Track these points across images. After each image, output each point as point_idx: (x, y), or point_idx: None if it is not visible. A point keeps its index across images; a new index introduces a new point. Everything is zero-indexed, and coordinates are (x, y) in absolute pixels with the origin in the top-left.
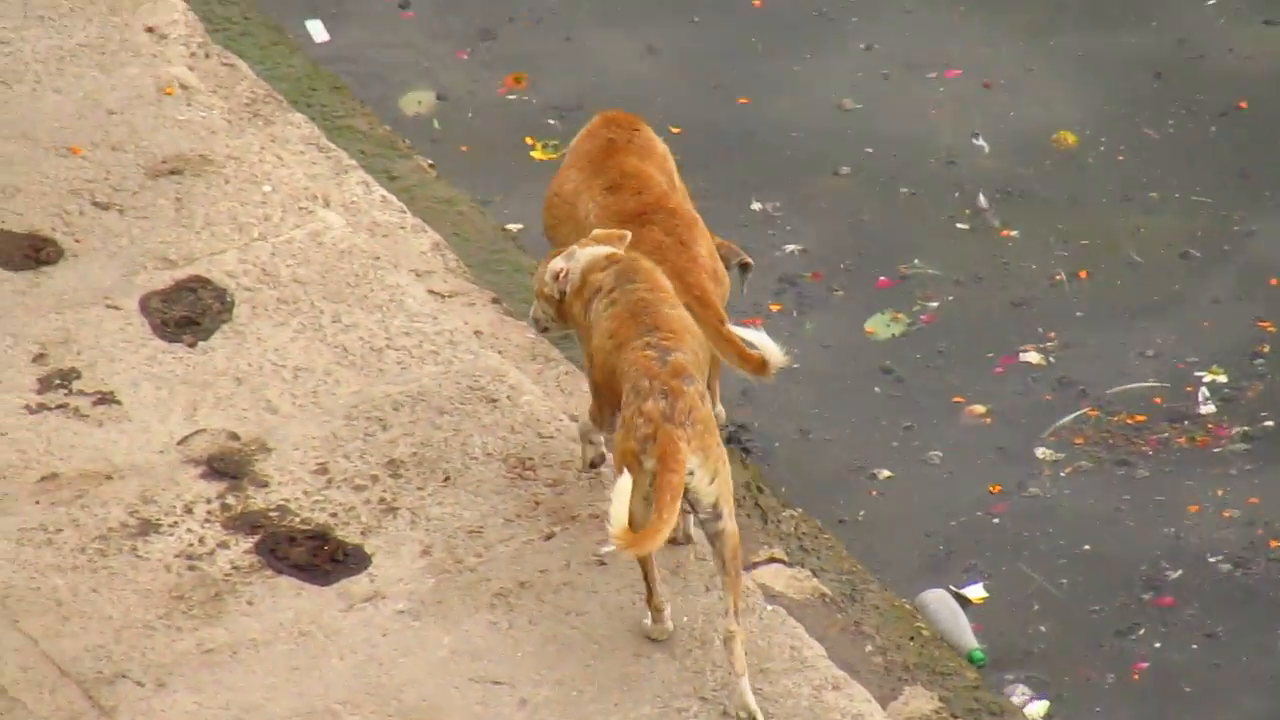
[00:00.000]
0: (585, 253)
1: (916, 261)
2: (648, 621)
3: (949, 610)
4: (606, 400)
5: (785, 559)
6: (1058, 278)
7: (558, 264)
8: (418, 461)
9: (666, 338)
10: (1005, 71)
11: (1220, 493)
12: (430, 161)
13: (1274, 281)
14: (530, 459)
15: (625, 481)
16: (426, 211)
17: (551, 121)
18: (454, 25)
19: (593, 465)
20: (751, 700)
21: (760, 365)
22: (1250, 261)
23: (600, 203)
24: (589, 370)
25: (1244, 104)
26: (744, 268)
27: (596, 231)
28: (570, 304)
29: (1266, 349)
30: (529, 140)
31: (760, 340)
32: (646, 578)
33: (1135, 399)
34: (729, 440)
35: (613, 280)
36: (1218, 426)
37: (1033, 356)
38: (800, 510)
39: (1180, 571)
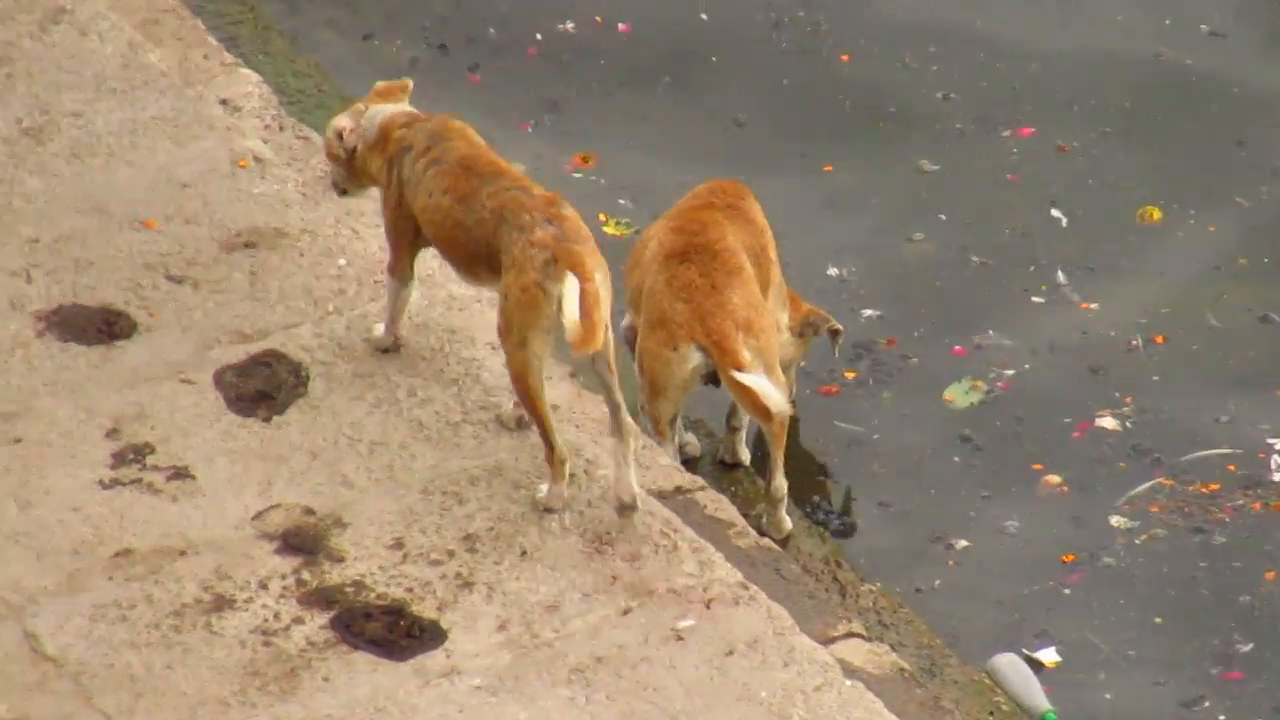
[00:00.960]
0: (377, 109)
1: (991, 332)
2: (544, 487)
3: (1021, 674)
4: (408, 252)
5: (864, 634)
6: (1134, 343)
7: (341, 122)
8: (494, 536)
9: (519, 179)
10: (1080, 135)
11: None
12: None
13: None
14: (607, 533)
15: (572, 282)
16: None
17: (622, 201)
18: (519, 95)
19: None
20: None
21: (766, 413)
22: None
23: (660, 240)
24: (392, 221)
25: None
26: (834, 334)
27: (379, 84)
28: (366, 160)
29: None
30: (601, 216)
31: (761, 387)
32: (544, 429)
33: (1209, 467)
34: (808, 515)
35: (426, 139)
36: None
37: (1109, 422)
38: (879, 585)
39: (1252, 645)
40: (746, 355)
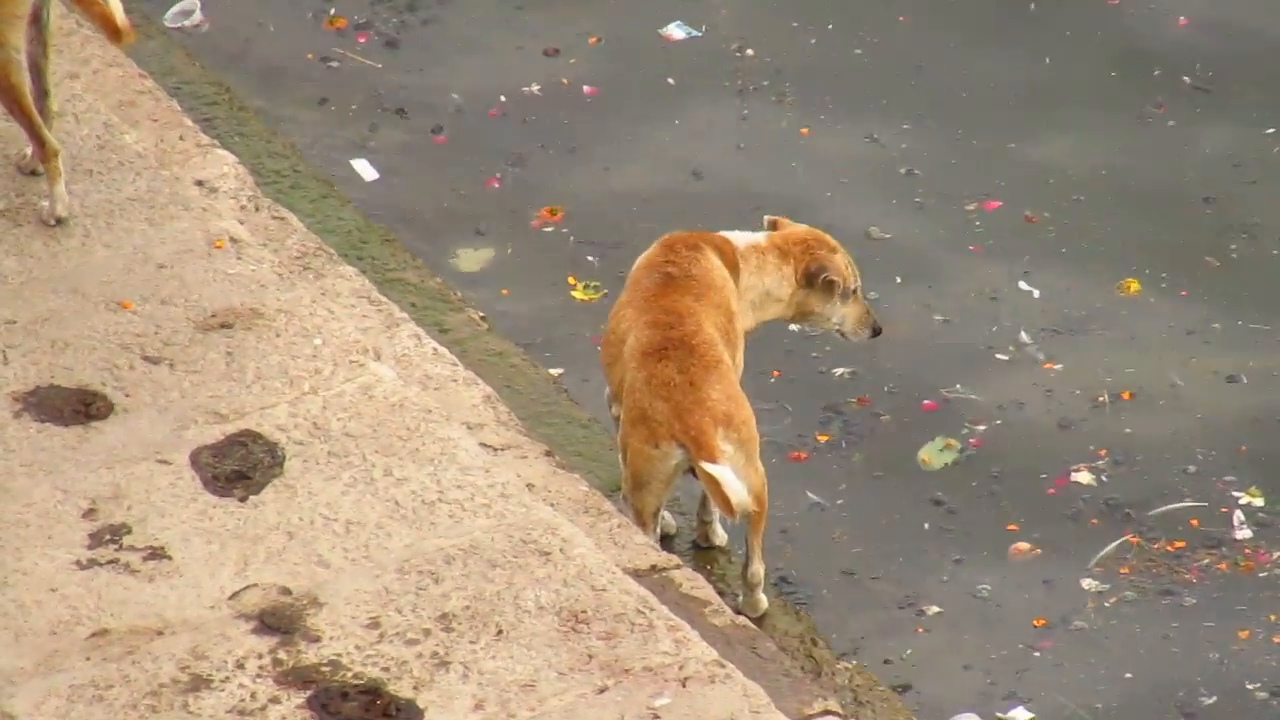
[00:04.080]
0: None
1: (959, 386)
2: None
3: None
4: None
5: (839, 711)
6: (1101, 400)
7: None
8: (470, 615)
9: None
10: (1049, 203)
11: (1274, 617)
12: (482, 314)
13: None
14: (583, 612)
15: None
16: (478, 364)
17: (590, 259)
18: (484, 151)
19: None
20: None
21: (729, 505)
22: None
23: (637, 336)
24: None
25: None
26: (875, 332)
27: None
28: None
29: None
30: (571, 280)
31: (725, 478)
32: (31, 126)
33: (1174, 522)
34: (779, 590)
35: None
36: (1256, 551)
37: (1085, 476)
38: (854, 662)
39: (1215, 698)
40: (726, 449)
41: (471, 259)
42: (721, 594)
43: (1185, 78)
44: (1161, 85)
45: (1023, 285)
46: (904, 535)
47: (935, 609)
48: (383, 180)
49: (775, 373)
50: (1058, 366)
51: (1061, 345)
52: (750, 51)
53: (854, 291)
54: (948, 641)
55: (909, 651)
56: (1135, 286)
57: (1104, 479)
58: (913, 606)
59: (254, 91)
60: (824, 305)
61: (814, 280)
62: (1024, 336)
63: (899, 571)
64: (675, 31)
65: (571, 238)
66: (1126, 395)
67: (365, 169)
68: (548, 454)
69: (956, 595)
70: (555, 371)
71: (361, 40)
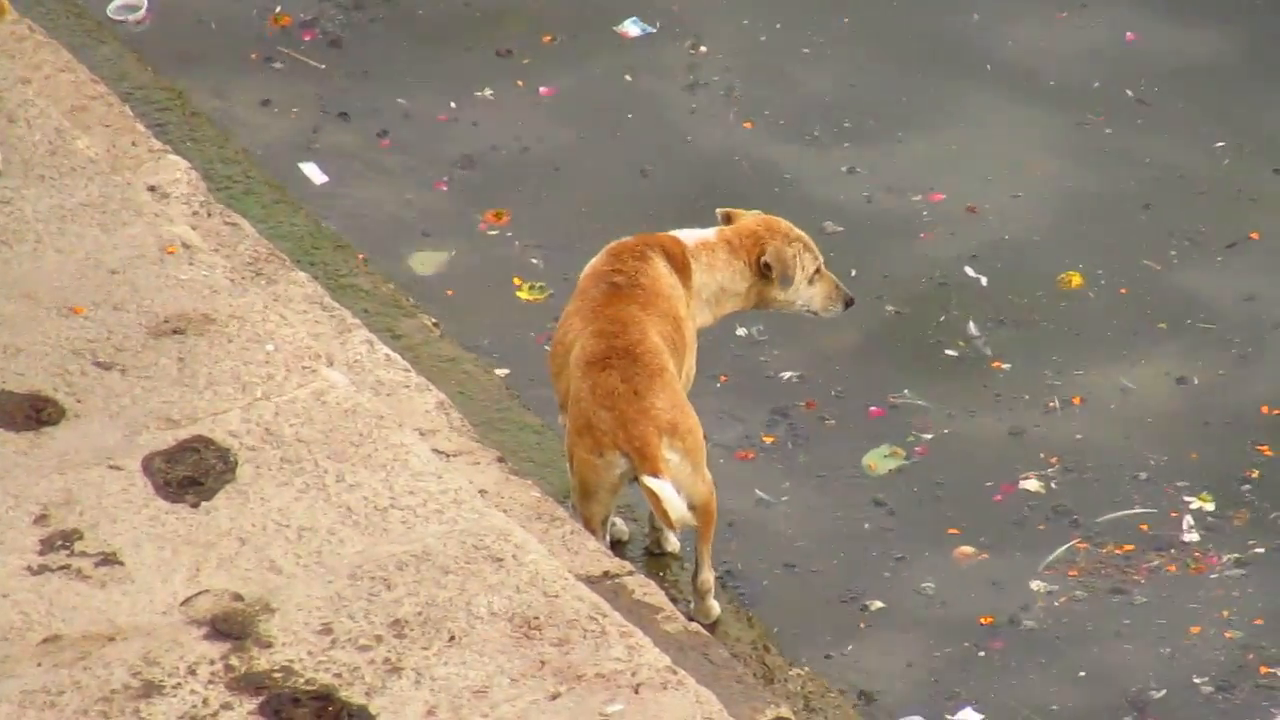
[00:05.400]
0: None
1: (907, 392)
2: None
3: None
4: None
5: (791, 717)
6: (1052, 405)
7: None
8: (422, 621)
9: None
10: (993, 200)
11: (1225, 614)
12: (434, 320)
13: (1265, 409)
14: (536, 618)
15: None
16: (431, 370)
17: (535, 261)
18: (432, 154)
19: None
20: None
21: (668, 519)
22: (1246, 389)
23: (582, 345)
24: None
25: (1255, 234)
26: (848, 304)
27: None
28: None
29: (1256, 474)
30: (516, 281)
31: (665, 493)
32: None
33: (1122, 528)
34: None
35: None
36: (1206, 555)
37: (1033, 484)
38: (806, 669)
39: (1165, 692)
40: (671, 458)
41: (426, 261)
42: (674, 600)
43: (1128, 91)
44: (1101, 96)
45: (970, 271)
46: (847, 533)
47: (879, 604)
48: (332, 184)
49: (723, 377)
50: (1006, 366)
51: (1009, 340)
52: (704, 49)
53: (817, 272)
54: (891, 638)
55: (850, 647)
56: (1077, 280)
57: (1053, 486)
58: (856, 601)
59: (201, 93)
60: (785, 293)
61: (769, 272)
62: (972, 329)
63: (842, 567)
64: (631, 28)
65: (517, 241)
66: (1077, 400)
67: (313, 171)
68: (500, 460)
69: (900, 592)
70: (502, 372)
71: (307, 39)
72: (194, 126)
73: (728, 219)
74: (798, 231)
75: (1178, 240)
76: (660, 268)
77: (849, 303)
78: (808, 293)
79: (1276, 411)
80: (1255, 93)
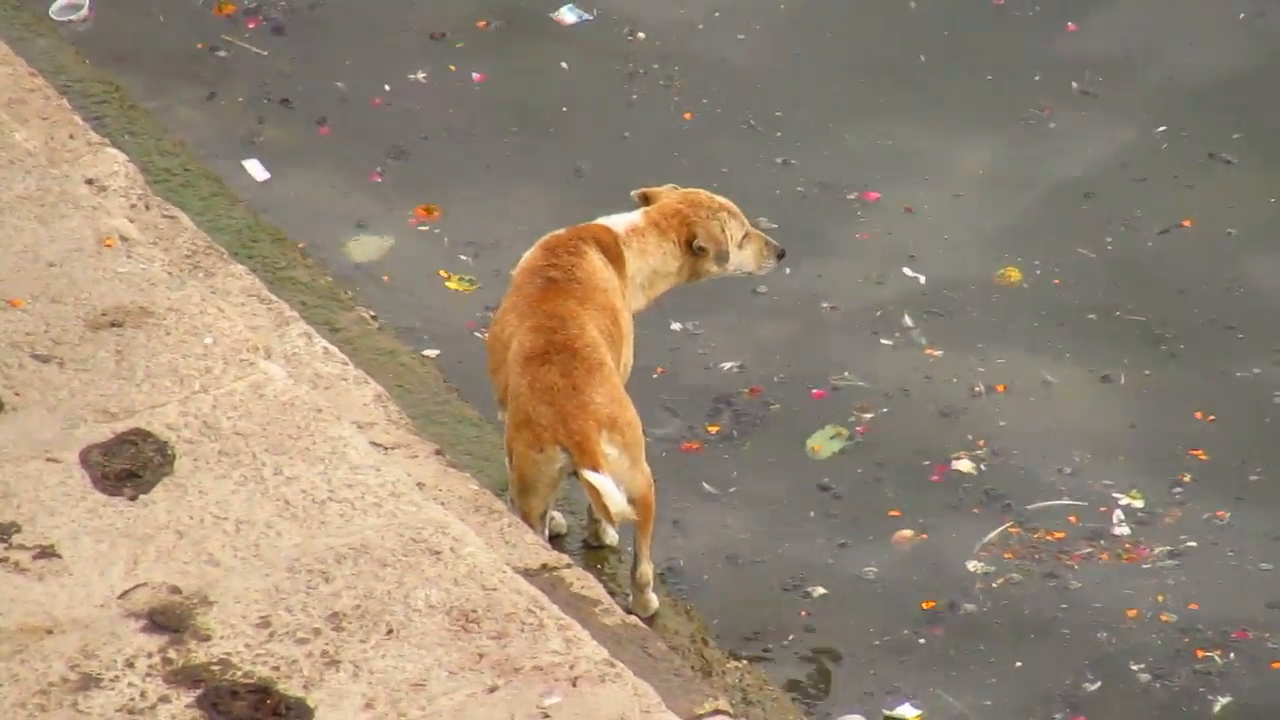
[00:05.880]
0: None
1: (847, 374)
2: None
3: None
4: None
5: (729, 711)
6: (977, 389)
7: None
8: (360, 614)
9: None
10: (927, 197)
11: (1161, 598)
12: (372, 313)
13: (1198, 415)
14: (474, 611)
15: None
16: (369, 363)
17: (464, 257)
18: (368, 144)
19: None
20: None
21: (608, 513)
22: (1174, 391)
23: (520, 341)
24: None
25: (1188, 221)
26: (780, 257)
27: None
28: None
29: (1188, 478)
30: (443, 273)
31: (604, 487)
32: None
33: (1053, 516)
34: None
35: None
36: (1138, 547)
37: (965, 465)
38: (745, 662)
39: (1100, 684)
40: (610, 453)
41: (361, 248)
42: (612, 593)
43: (1073, 82)
44: (1046, 89)
45: (907, 271)
46: (792, 522)
47: (821, 590)
48: (272, 176)
49: (659, 369)
50: (938, 353)
51: (941, 330)
52: (641, 35)
53: (745, 235)
54: (832, 627)
55: (791, 637)
56: (1016, 275)
57: (983, 468)
58: (798, 589)
59: (144, 87)
60: (717, 264)
61: (702, 252)
62: (907, 320)
63: (786, 556)
64: (567, 15)
65: (446, 238)
66: (1000, 389)
67: (255, 167)
68: (438, 453)
69: (842, 578)
70: (431, 353)
71: (251, 26)
72: (132, 119)
73: (645, 199)
74: (719, 200)
75: (1114, 227)
76: (595, 260)
77: (781, 254)
78: (739, 257)
79: (1210, 419)
80: (1194, 81)
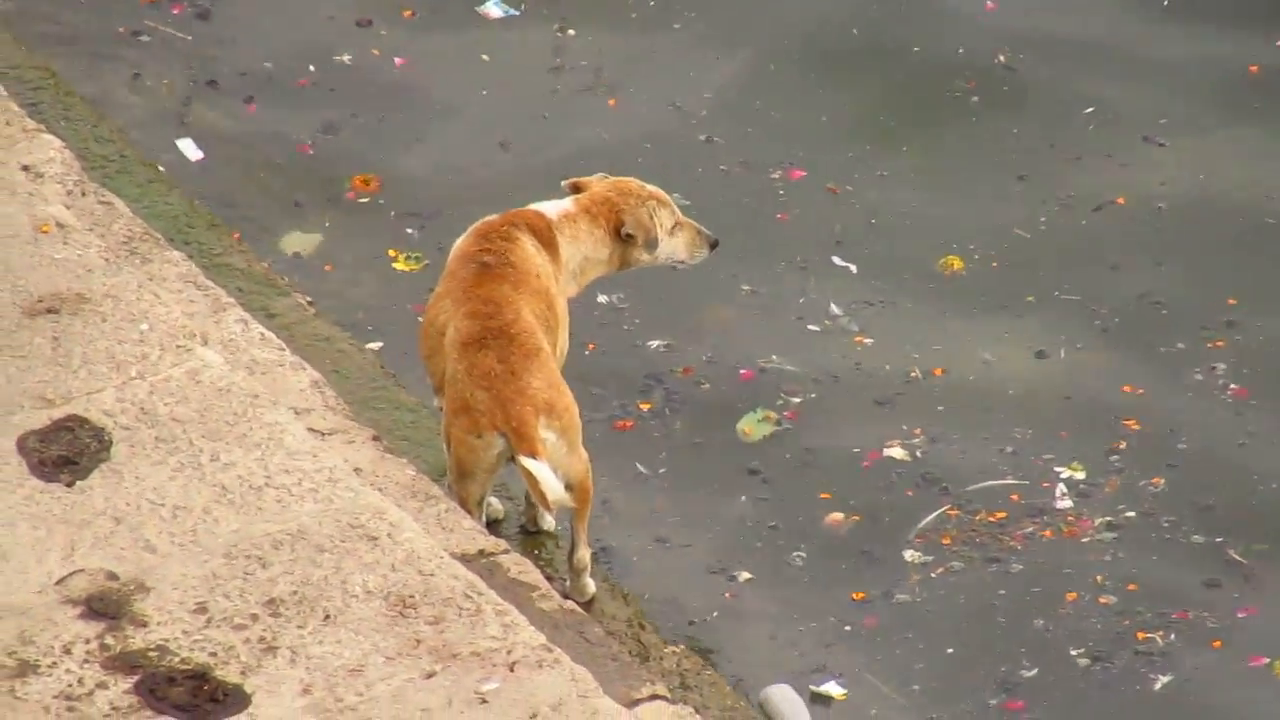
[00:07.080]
0: None
1: (774, 357)
2: None
3: (790, 703)
4: None
5: (667, 695)
6: (913, 375)
7: None
8: (298, 600)
9: None
10: (854, 177)
11: (1100, 579)
12: (309, 299)
13: (1127, 388)
14: (411, 596)
15: None
16: (306, 349)
17: (410, 231)
18: (297, 119)
19: None
20: None
21: (544, 500)
22: (1107, 364)
23: (456, 326)
24: None
25: (1121, 199)
26: (713, 246)
27: None
28: None
29: (1123, 445)
30: (391, 253)
31: (542, 474)
32: None
33: (994, 496)
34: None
35: None
36: (1080, 519)
37: (898, 452)
38: (682, 647)
39: (1037, 670)
40: (548, 438)
41: (298, 241)
42: (550, 579)
43: (1000, 58)
44: (969, 65)
45: (836, 260)
46: (721, 504)
47: (746, 575)
48: (206, 159)
49: (590, 345)
50: (868, 341)
51: (872, 318)
52: (572, 31)
53: (676, 224)
54: (758, 609)
55: (715, 614)
56: (958, 264)
57: (919, 454)
58: (724, 573)
59: (74, 71)
60: (646, 251)
61: (632, 240)
62: (834, 309)
63: (714, 539)
64: (493, 10)
65: (391, 211)
66: (938, 372)
67: (189, 148)
68: (375, 439)
69: (771, 564)
70: (375, 345)
71: (175, 12)
72: (68, 106)
73: (576, 188)
74: (650, 189)
75: (1049, 208)
76: (528, 246)
77: (714, 244)
78: (670, 246)
79: (1140, 391)
80: (1123, 59)
